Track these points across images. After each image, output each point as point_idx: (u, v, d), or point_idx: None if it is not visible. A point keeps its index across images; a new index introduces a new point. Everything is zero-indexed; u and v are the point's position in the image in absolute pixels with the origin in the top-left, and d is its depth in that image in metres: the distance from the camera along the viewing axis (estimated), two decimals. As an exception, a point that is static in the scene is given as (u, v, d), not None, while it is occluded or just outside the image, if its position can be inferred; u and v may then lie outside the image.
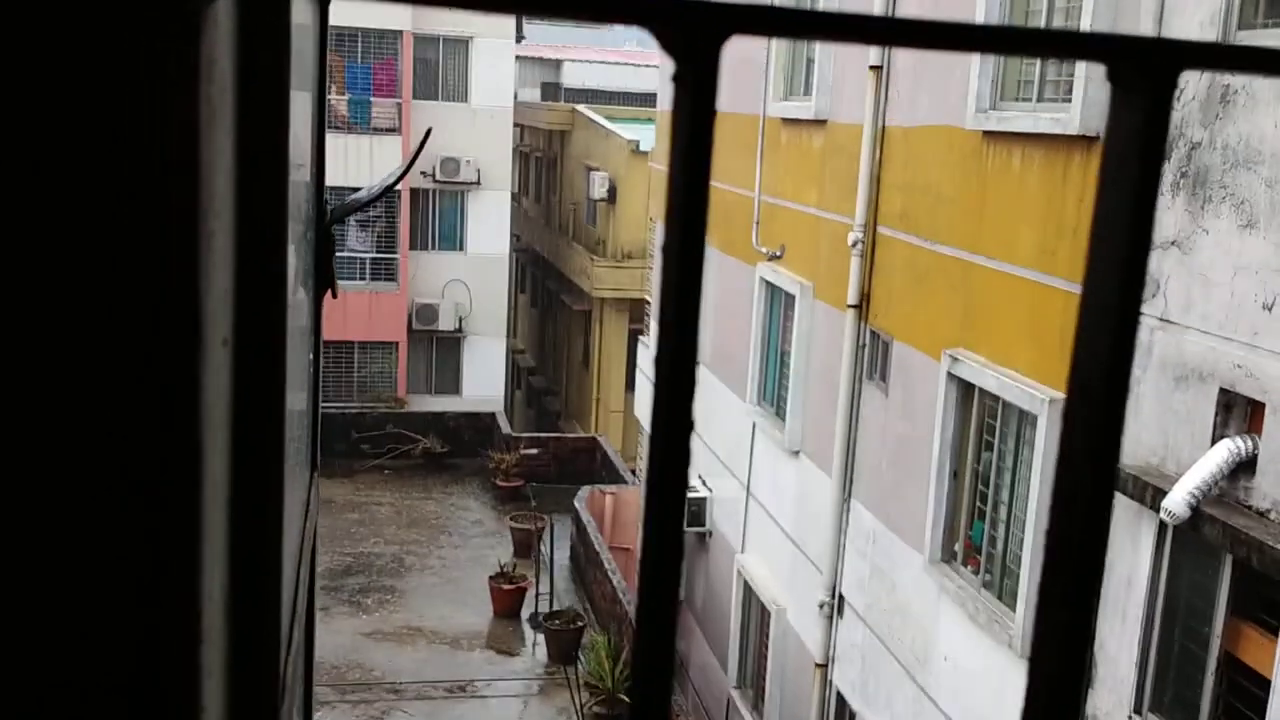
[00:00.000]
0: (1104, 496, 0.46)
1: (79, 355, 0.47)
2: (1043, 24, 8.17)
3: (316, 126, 1.59)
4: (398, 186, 25.39)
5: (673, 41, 0.36)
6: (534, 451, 23.47)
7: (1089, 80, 7.36)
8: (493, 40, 26.46)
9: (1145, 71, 0.43)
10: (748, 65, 13.47)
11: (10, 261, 0.46)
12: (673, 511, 0.41)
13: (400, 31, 25.42)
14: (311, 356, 1.60)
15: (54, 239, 0.46)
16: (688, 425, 0.41)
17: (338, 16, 24.28)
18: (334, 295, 1.65)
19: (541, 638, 17.07)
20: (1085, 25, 7.41)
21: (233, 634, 0.67)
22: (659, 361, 0.39)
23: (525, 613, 17.95)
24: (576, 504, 19.57)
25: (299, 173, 1.37)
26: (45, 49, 0.44)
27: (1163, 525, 6.57)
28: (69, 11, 0.44)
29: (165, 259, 0.47)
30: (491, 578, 18.15)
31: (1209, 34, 6.39)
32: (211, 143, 0.51)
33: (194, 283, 0.48)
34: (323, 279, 1.60)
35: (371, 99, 25.71)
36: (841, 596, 11.02)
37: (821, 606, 11.17)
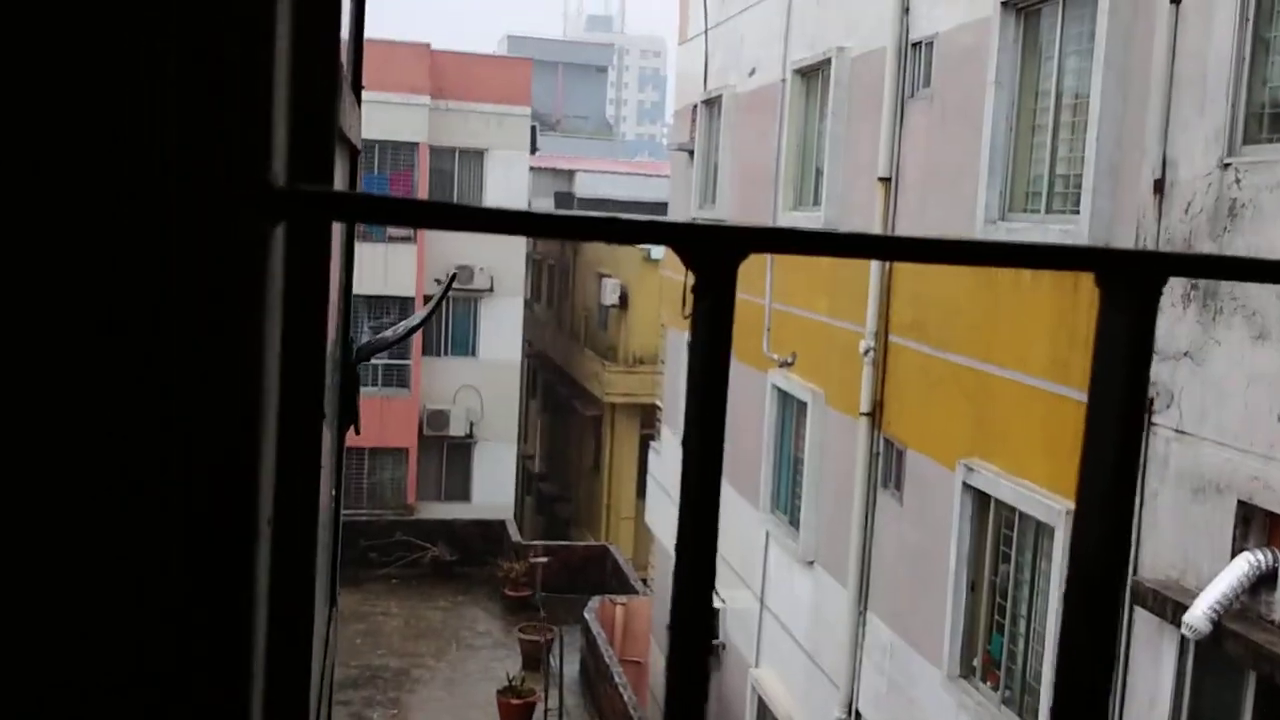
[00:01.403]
0: (1112, 613, 0.47)
1: (139, 555, 0.51)
2: (1048, 142, 8.31)
3: (345, 266, 1.61)
4: (413, 295, 25.66)
5: (694, 260, 0.37)
6: (543, 560, 23.24)
7: (1096, 192, 7.45)
8: (507, 151, 26.99)
9: (1132, 280, 0.45)
10: (758, 174, 13.68)
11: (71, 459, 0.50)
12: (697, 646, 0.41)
13: (416, 144, 25.95)
14: (334, 493, 1.60)
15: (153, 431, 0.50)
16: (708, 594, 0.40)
17: (356, 129, 24.76)
18: (357, 432, 1.66)
19: (550, 753, 16.68)
20: (1090, 140, 7.53)
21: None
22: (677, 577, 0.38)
23: (534, 727, 17.57)
24: (587, 615, 19.30)
25: (330, 315, 1.41)
26: (132, 260, 0.49)
27: (1184, 641, 6.44)
28: (156, 228, 0.49)
29: (228, 447, 0.51)
30: (499, 692, 17.82)
31: (1214, 151, 6.47)
32: (267, 344, 0.55)
33: (255, 469, 0.51)
34: (347, 416, 1.61)
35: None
36: (858, 713, 10.77)
37: (837, 722, 10.91)
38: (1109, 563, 0.46)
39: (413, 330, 3.02)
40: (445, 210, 0.40)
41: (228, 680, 0.53)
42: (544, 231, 0.38)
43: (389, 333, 2.82)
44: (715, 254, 0.37)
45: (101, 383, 0.50)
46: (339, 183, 1.46)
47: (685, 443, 0.38)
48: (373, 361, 26.34)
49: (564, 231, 0.38)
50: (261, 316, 0.51)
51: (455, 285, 26.59)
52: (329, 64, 0.84)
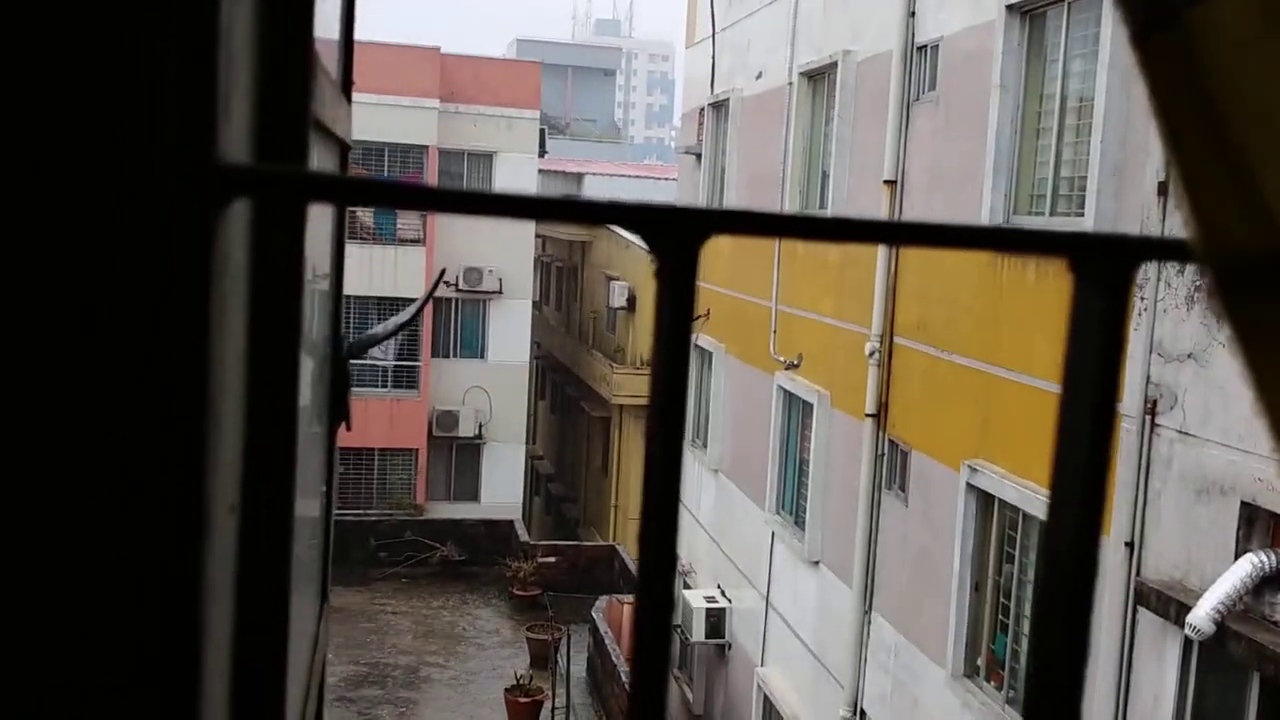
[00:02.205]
0: (1085, 610, 0.47)
1: (75, 535, 0.50)
2: (1053, 144, 8.34)
3: (336, 259, 1.66)
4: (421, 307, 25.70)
5: (655, 242, 0.41)
6: (552, 560, 23.29)
7: (1100, 193, 7.48)
8: (515, 155, 27.04)
9: (1105, 266, 0.46)
10: (765, 177, 13.72)
11: (10, 446, 0.49)
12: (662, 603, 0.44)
13: (426, 147, 26.01)
14: (325, 489, 1.64)
15: (60, 422, 0.49)
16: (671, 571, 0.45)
17: (365, 131, 24.91)
18: (348, 428, 1.70)
19: (558, 752, 16.72)
20: (1095, 142, 7.56)
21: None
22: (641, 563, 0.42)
23: (541, 726, 17.61)
24: (594, 614, 19.34)
25: (320, 309, 1.43)
26: (64, 244, 0.48)
27: (1188, 642, 6.46)
28: (86, 211, 0.48)
29: (169, 439, 0.50)
30: (508, 690, 17.86)
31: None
32: (224, 329, 0.56)
33: (200, 457, 0.51)
34: (338, 412, 1.65)
35: (396, 211, 26.20)
36: (863, 712, 10.81)
37: (843, 722, 10.94)
38: (1080, 557, 0.46)
39: (403, 326, 3.05)
40: (399, 190, 0.43)
41: (174, 670, 0.52)
42: (500, 211, 0.42)
43: (379, 328, 2.84)
44: (677, 236, 0.41)
45: (35, 368, 0.49)
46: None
47: (648, 427, 0.43)
48: (382, 363, 26.41)
49: (522, 211, 0.41)
50: (207, 297, 0.50)
51: (464, 287, 26.65)
52: (300, 52, 0.84)
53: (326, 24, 1.39)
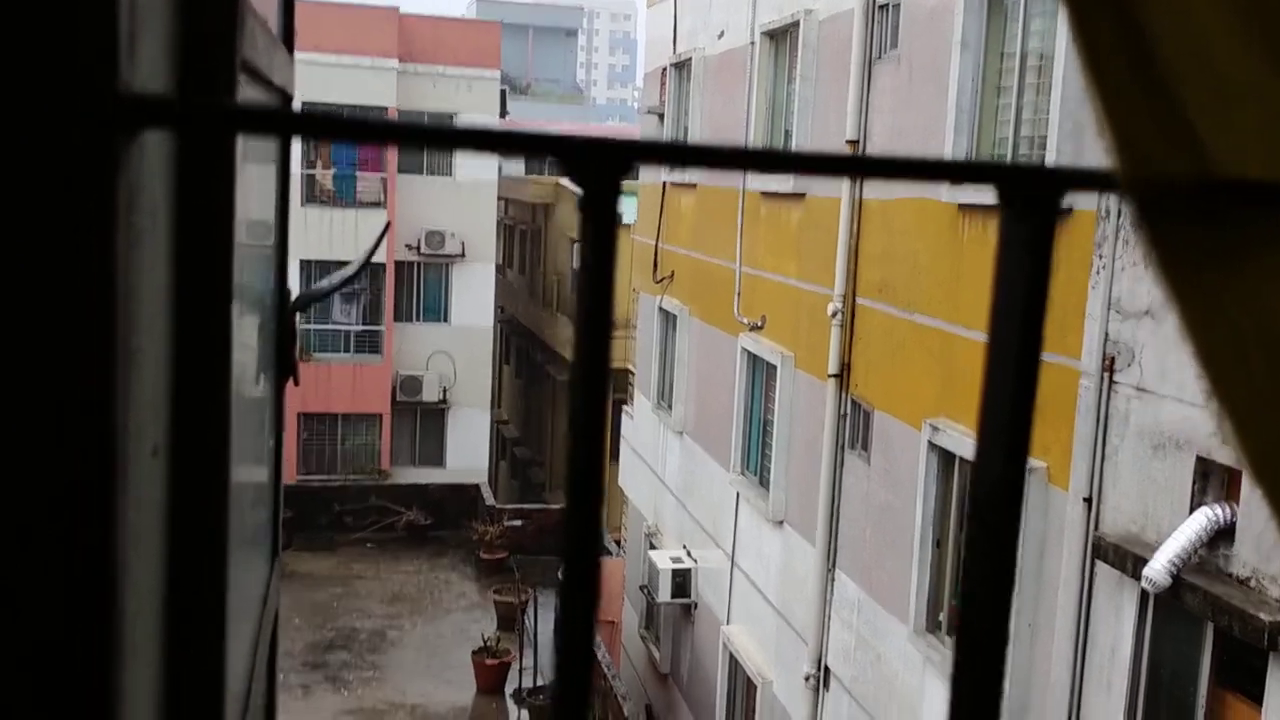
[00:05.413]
0: (1009, 548, 0.47)
1: None
2: (1013, 103, 8.36)
3: (280, 214, 1.63)
4: (383, 261, 25.53)
5: (577, 174, 0.40)
6: (518, 523, 23.34)
7: (1060, 152, 7.51)
8: (477, 116, 26.81)
9: (1031, 197, 0.46)
10: (728, 137, 13.67)
11: None
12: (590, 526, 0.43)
13: (385, 108, 25.74)
14: (273, 443, 1.62)
15: None
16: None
17: (324, 93, 24.55)
18: (295, 383, 1.68)
19: (526, 714, 16.83)
20: (1055, 101, 7.59)
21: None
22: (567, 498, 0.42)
23: (509, 688, 17.72)
24: (561, 576, 19.40)
25: (262, 262, 1.41)
26: None
27: (1145, 594, 6.57)
28: None
29: (77, 373, 0.49)
30: (475, 652, 17.94)
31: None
32: (136, 265, 0.53)
33: (110, 394, 0.50)
34: (284, 367, 1.63)
35: (356, 174, 25.95)
36: (827, 668, 10.94)
37: (807, 679, 11.07)
38: (1005, 497, 0.47)
39: (348, 280, 3.04)
40: (312, 121, 0.41)
41: (86, 606, 0.50)
42: (423, 142, 0.41)
43: (324, 282, 2.82)
44: (597, 166, 0.40)
45: None
46: None
47: (572, 363, 0.42)
48: (344, 328, 26.23)
49: (444, 143, 0.40)
50: (111, 225, 0.48)
51: (427, 251, 26.48)
52: None
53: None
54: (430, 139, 0.40)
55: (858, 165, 0.45)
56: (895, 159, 0.46)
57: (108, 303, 0.48)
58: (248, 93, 0.99)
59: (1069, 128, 7.46)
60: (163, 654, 0.70)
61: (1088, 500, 7.13)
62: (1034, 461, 7.69)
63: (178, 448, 0.69)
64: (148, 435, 0.61)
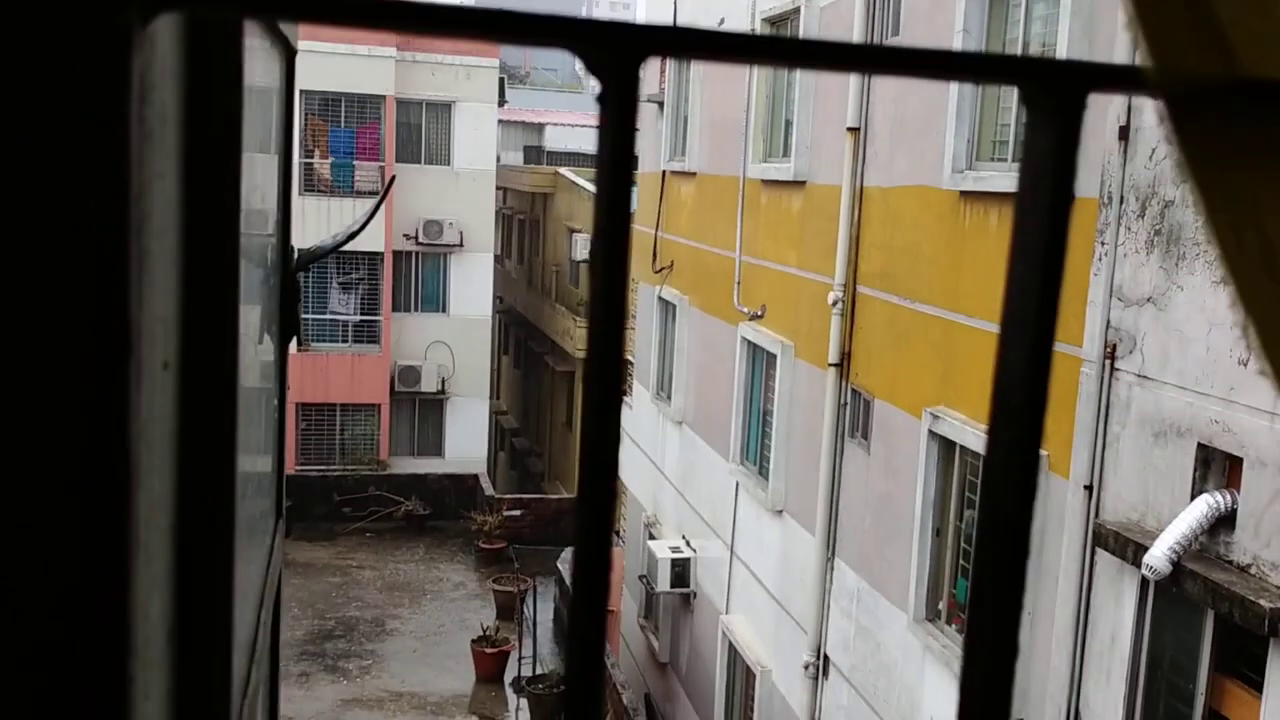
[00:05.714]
0: (1025, 519, 0.46)
1: None
2: (1015, 91, 8.31)
3: (283, 176, 1.61)
4: (381, 250, 25.48)
5: (594, 61, 0.38)
6: (517, 513, 23.34)
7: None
8: (475, 104, 26.75)
9: (1055, 92, 0.44)
10: (728, 127, 13.64)
11: None
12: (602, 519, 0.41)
13: (384, 96, 25.67)
14: (277, 402, 1.60)
15: None
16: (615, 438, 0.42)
17: (321, 81, 24.51)
18: (299, 345, 1.67)
19: (525, 702, 16.84)
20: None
21: (178, 663, 0.66)
22: (587, 377, 0.40)
23: (508, 677, 17.73)
24: (560, 565, 19.44)
25: (264, 220, 1.39)
26: None
27: (1145, 581, 6.56)
28: None
29: (89, 275, 0.48)
30: (474, 641, 17.95)
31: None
32: (147, 164, 0.52)
33: (124, 297, 0.48)
34: (289, 326, 1.61)
35: (355, 162, 25.89)
36: (826, 657, 10.94)
37: (806, 667, 11.07)
38: (1021, 464, 0.45)
39: (351, 236, 3.03)
40: (330, 5, 0.39)
41: (99, 513, 0.49)
42: (428, 27, 0.39)
43: (327, 240, 2.81)
44: (615, 54, 0.38)
45: None
46: (271, 80, 1.44)
47: (591, 259, 0.40)
48: (342, 318, 26.20)
49: (442, 28, 0.38)
50: (126, 116, 0.47)
51: (425, 241, 26.43)
52: None
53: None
54: (439, 22, 0.38)
55: (892, 59, 0.43)
56: (916, 50, 0.43)
57: (120, 186, 0.46)
58: (258, 41, 0.97)
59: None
60: (173, 560, 0.68)
61: (1088, 488, 7.12)
62: (1034, 449, 7.67)
63: (188, 358, 0.67)
64: (160, 348, 0.60)
